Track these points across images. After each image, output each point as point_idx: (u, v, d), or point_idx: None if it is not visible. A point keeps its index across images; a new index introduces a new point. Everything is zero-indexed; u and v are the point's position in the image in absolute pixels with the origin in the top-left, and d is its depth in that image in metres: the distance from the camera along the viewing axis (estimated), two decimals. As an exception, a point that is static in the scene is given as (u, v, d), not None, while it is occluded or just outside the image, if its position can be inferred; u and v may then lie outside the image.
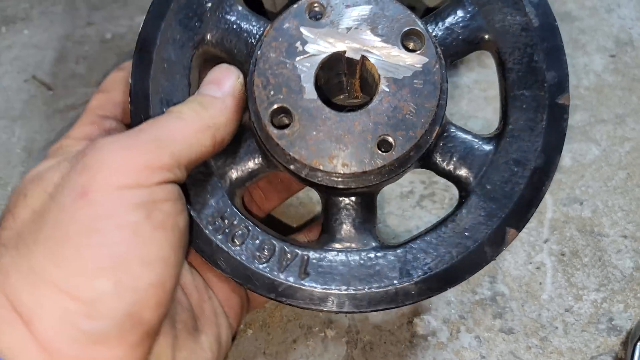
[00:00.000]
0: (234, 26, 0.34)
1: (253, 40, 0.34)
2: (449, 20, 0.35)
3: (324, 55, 0.32)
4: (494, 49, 0.36)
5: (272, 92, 0.32)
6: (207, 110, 0.32)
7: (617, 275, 0.48)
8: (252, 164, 0.35)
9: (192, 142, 0.31)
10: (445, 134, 0.35)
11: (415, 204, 0.51)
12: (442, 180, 0.51)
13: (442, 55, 0.33)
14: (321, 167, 0.32)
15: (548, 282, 0.48)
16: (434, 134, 0.33)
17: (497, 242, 0.35)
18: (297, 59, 0.32)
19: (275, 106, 0.32)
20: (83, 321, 0.27)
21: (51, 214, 0.28)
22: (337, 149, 0.32)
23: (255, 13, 0.35)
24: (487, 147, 0.36)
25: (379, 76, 0.32)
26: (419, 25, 0.32)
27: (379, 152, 0.32)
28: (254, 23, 0.35)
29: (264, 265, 0.34)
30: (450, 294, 0.47)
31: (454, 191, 0.51)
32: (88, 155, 0.29)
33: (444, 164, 0.36)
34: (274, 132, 0.32)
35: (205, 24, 0.34)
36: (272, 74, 0.32)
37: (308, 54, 0.32)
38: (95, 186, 0.28)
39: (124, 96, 0.36)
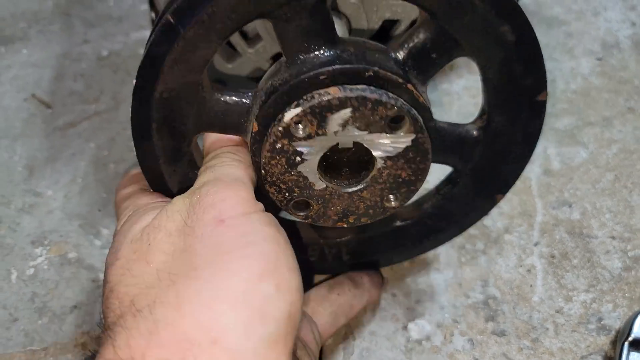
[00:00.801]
0: (221, 115, 0.37)
1: (244, 115, 0.37)
2: (421, 41, 0.36)
3: (320, 154, 0.35)
4: (473, 59, 0.37)
5: (287, 194, 0.36)
6: (237, 154, 0.37)
7: (606, 276, 0.49)
8: None
9: (248, 177, 0.36)
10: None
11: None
12: (433, 185, 0.53)
13: (425, 127, 0.35)
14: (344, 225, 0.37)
15: (539, 285, 0.49)
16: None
17: (488, 204, 0.43)
18: (299, 167, 0.35)
19: (293, 202, 0.36)
20: (259, 327, 0.29)
21: (196, 245, 0.31)
22: (353, 212, 0.37)
23: (234, 90, 0.37)
24: (475, 133, 0.40)
25: (374, 158, 0.35)
26: (399, 107, 0.33)
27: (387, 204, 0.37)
28: (241, 99, 0.37)
29: None
30: (444, 298, 0.48)
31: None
32: (202, 198, 0.33)
33: (438, 157, 0.39)
34: (298, 214, 0.37)
35: (190, 127, 0.37)
36: (281, 182, 0.35)
37: (306, 160, 0.35)
38: (227, 215, 0.32)
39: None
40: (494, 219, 0.52)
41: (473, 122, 0.40)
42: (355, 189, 0.36)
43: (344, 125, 0.33)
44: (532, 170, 0.55)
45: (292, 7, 0.33)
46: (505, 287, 0.49)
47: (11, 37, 0.67)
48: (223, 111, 0.37)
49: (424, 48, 0.36)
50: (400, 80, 0.34)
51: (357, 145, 0.35)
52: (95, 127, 0.59)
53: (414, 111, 0.34)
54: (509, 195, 0.52)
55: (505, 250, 0.50)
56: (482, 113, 0.39)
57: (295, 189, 0.36)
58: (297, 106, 0.33)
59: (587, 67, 0.63)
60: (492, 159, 0.40)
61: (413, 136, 0.34)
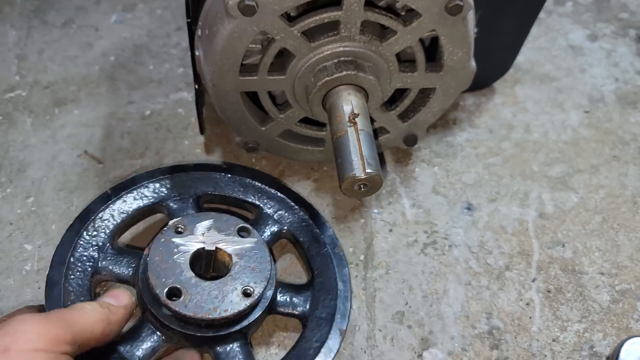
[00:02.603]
0: (116, 268, 0.52)
1: (133, 268, 0.51)
2: (262, 227, 0.56)
3: (192, 250, 0.49)
4: (289, 235, 0.57)
5: (163, 279, 0.47)
6: (104, 309, 0.44)
7: (597, 308, 0.56)
8: (151, 343, 0.48)
9: (88, 329, 0.41)
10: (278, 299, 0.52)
11: (420, 251, 0.60)
12: (442, 230, 0.60)
13: (262, 236, 0.54)
14: (209, 316, 0.46)
15: (537, 316, 0.55)
16: (274, 282, 0.51)
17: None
18: (175, 256, 0.48)
19: (168, 287, 0.46)
20: None
21: None
22: (216, 302, 0.47)
23: (126, 250, 0.55)
24: (306, 294, 0.53)
25: (230, 255, 0.49)
26: (244, 223, 0.52)
27: (243, 297, 0.48)
28: (127, 259, 0.52)
29: None
30: (453, 329, 0.55)
31: (453, 239, 0.60)
32: (10, 324, 0.38)
33: (287, 309, 0.52)
34: (170, 303, 0.46)
35: (96, 268, 0.52)
36: (160, 269, 0.47)
37: (181, 252, 0.48)
38: (16, 346, 0.37)
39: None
40: (496, 257, 0.59)
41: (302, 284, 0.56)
42: (219, 280, 0.48)
43: (208, 230, 0.50)
44: (529, 214, 0.62)
45: None
46: (507, 318, 0.55)
47: (64, 99, 0.75)
48: None
49: (265, 232, 0.57)
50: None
51: (218, 254, 0.50)
52: (142, 180, 0.66)
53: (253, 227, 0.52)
54: (508, 236, 0.60)
55: (507, 286, 0.57)
56: None
57: (171, 275, 0.47)
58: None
59: (576, 120, 0.70)
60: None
61: (255, 239, 0.51)
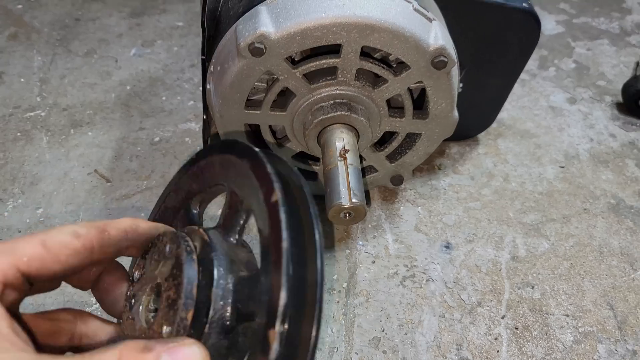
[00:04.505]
0: None
1: None
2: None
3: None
4: None
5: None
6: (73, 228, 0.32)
7: (560, 347, 0.59)
8: None
9: (37, 254, 0.30)
10: None
11: (399, 283, 0.64)
12: (421, 265, 0.64)
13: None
14: None
15: (504, 350, 0.59)
16: None
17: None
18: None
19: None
20: None
21: None
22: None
23: None
24: None
25: None
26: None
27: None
28: None
29: None
30: (425, 357, 0.58)
31: (431, 273, 0.64)
32: None
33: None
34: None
35: None
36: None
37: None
38: None
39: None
40: (470, 294, 0.63)
41: None
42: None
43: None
44: (503, 256, 0.67)
45: None
46: (476, 351, 0.59)
47: (80, 121, 0.81)
48: None
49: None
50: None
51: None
52: (146, 199, 0.71)
53: None
54: (482, 275, 0.64)
55: (477, 320, 0.61)
56: None
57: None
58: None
59: (552, 173, 0.76)
60: None
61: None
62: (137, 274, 0.37)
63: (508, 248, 0.67)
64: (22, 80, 0.87)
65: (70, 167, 0.75)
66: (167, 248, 0.35)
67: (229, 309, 0.33)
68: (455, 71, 0.58)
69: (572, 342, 0.60)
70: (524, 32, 0.67)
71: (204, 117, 0.65)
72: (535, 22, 0.66)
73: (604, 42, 0.98)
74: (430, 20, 0.55)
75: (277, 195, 0.31)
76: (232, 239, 0.37)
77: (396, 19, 0.52)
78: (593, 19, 1.03)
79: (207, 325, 0.32)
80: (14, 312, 0.30)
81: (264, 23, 0.51)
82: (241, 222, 0.37)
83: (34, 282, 0.31)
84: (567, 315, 0.62)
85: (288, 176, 0.35)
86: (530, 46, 0.68)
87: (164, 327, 0.32)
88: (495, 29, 0.66)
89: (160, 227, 0.38)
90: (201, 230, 0.36)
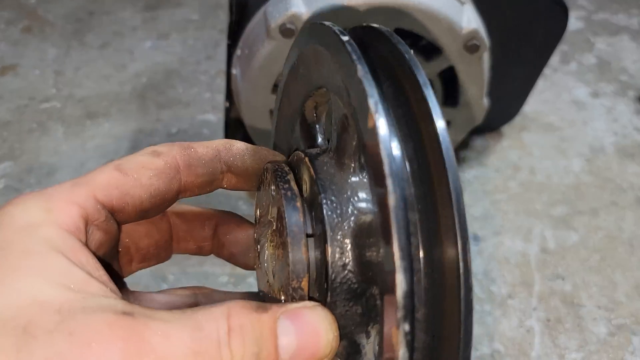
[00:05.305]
0: None
1: None
2: None
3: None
4: None
5: None
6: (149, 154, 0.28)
7: (593, 339, 0.58)
8: None
9: (118, 181, 0.26)
10: None
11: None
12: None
13: None
14: None
15: (537, 343, 0.57)
16: None
17: None
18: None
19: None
20: None
21: None
22: None
23: None
24: None
25: None
26: None
27: None
28: None
29: None
30: (456, 350, 0.57)
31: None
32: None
33: None
34: None
35: None
36: None
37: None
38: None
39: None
40: (500, 286, 0.62)
41: None
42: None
43: None
44: (532, 249, 0.65)
45: None
46: (508, 343, 0.57)
47: (95, 112, 0.80)
48: None
49: None
50: None
51: None
52: (165, 190, 0.70)
53: None
54: (511, 267, 0.63)
55: (508, 312, 0.59)
56: None
57: None
58: None
59: (578, 166, 0.75)
60: None
61: None
62: (258, 212, 0.30)
63: (537, 240, 0.66)
64: (37, 72, 0.86)
65: (87, 158, 0.74)
66: (272, 189, 0.28)
67: (352, 267, 0.25)
68: (487, 56, 0.57)
69: (605, 335, 0.58)
70: (552, 21, 0.66)
71: (226, 104, 0.63)
72: (563, 12, 0.65)
73: (624, 38, 0.97)
74: (462, 3, 0.54)
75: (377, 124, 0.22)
76: (349, 164, 0.27)
77: (429, 0, 0.51)
78: (612, 15, 1.02)
79: (329, 293, 0.25)
80: (104, 261, 0.25)
81: (295, 3, 0.50)
82: (353, 143, 0.26)
83: (121, 219, 0.27)
84: (600, 308, 0.60)
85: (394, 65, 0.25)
86: (558, 36, 0.67)
87: (282, 296, 0.27)
88: (522, 18, 0.65)
89: (262, 151, 0.31)
90: (307, 160, 0.28)
